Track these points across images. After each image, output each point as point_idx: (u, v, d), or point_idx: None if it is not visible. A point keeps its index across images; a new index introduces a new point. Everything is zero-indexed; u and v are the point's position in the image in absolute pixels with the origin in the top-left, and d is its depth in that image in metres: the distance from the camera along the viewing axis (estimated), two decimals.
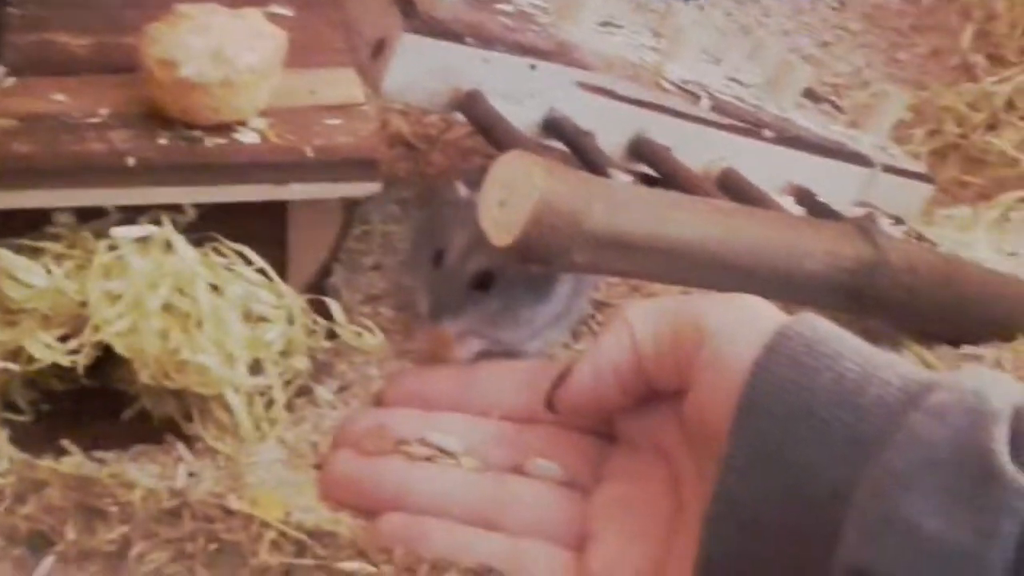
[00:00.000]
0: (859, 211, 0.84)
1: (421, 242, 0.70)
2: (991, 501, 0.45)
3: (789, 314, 0.56)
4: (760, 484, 0.50)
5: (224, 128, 0.63)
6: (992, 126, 0.94)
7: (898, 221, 0.84)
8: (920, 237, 0.82)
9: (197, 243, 0.63)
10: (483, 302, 0.66)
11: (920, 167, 0.92)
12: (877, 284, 0.69)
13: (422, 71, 0.73)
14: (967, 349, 0.73)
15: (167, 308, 0.61)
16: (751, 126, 0.83)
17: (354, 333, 0.68)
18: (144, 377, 0.61)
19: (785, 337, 0.51)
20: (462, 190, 0.67)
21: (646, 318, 0.57)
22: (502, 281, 0.66)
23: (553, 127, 0.77)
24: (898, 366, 0.50)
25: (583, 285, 0.71)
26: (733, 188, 0.79)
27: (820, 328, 0.52)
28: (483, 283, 0.66)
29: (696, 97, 0.82)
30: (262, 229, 0.65)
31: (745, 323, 0.54)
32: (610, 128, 0.78)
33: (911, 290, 0.70)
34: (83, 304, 0.60)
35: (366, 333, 0.69)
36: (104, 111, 0.64)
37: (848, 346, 0.51)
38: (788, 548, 0.50)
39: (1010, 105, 0.94)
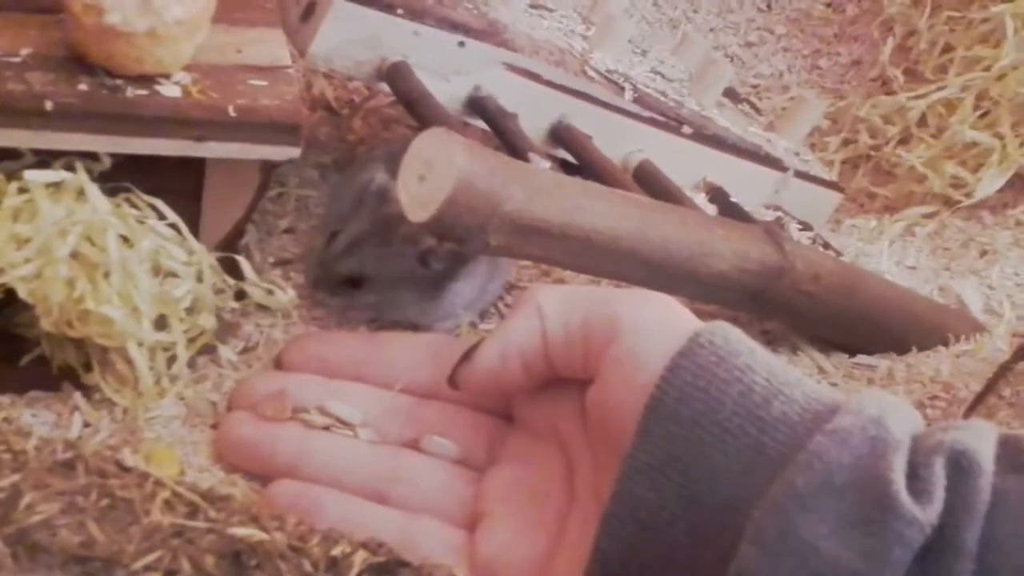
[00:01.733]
0: (769, 214, 0.86)
1: (331, 210, 0.72)
2: (885, 528, 0.46)
3: (694, 310, 0.57)
4: (661, 487, 0.51)
5: (147, 79, 0.63)
6: (904, 140, 0.96)
7: (806, 227, 0.86)
8: (826, 245, 0.83)
9: (110, 193, 0.62)
10: (354, 296, 0.69)
11: (831, 175, 0.94)
12: (780, 288, 0.70)
13: (350, 38, 0.73)
14: (862, 358, 0.75)
15: (75, 256, 0.60)
16: (671, 121, 0.84)
17: (264, 291, 0.68)
18: (46, 324, 0.60)
19: (698, 344, 0.52)
20: (380, 178, 0.68)
21: (558, 304, 0.58)
22: (378, 283, 0.68)
23: (477, 106, 0.77)
24: (804, 385, 0.52)
25: (499, 269, 0.72)
26: (649, 181, 0.80)
27: (732, 339, 0.53)
28: (355, 283, 0.68)
29: (620, 88, 0.83)
30: (177, 184, 0.64)
31: (659, 324, 0.54)
32: (533, 112, 0.79)
33: (813, 297, 0.72)
34: None
35: (277, 291, 0.68)
36: (25, 51, 0.63)
37: (758, 360, 0.52)
38: (683, 551, 0.51)
39: (923, 121, 0.96)
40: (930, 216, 0.91)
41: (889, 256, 0.86)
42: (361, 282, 0.68)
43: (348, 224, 0.68)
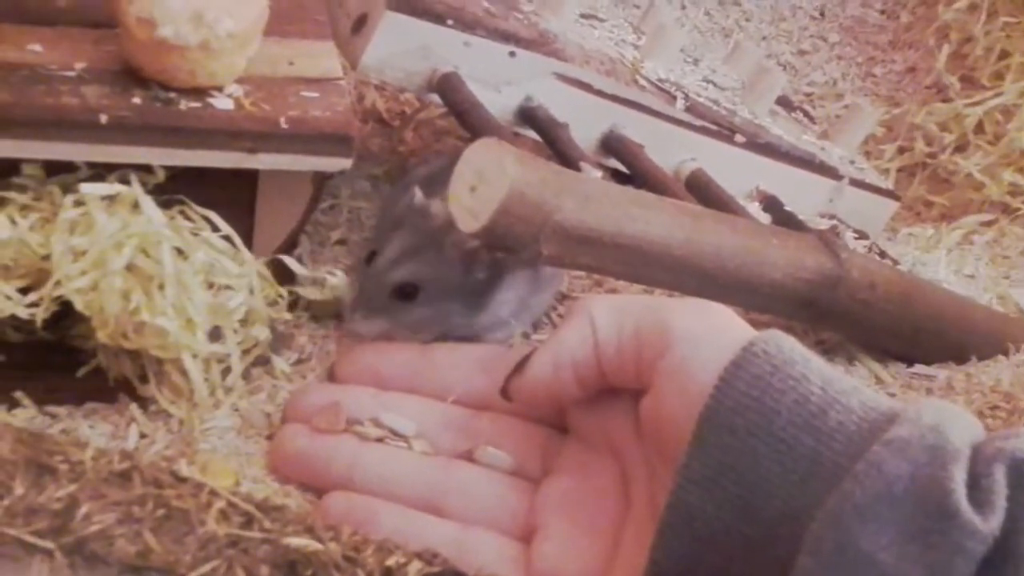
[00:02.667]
0: (824, 223, 0.85)
1: (380, 229, 0.71)
2: (946, 540, 0.46)
3: (748, 320, 0.57)
4: (716, 497, 0.50)
5: (200, 92, 0.63)
6: (961, 148, 0.95)
7: (862, 236, 0.85)
8: (882, 254, 0.82)
9: (165, 205, 0.63)
10: (404, 311, 0.66)
11: (887, 184, 0.93)
12: (836, 297, 0.70)
13: (401, 50, 0.73)
14: (920, 368, 0.74)
15: (130, 268, 0.60)
16: (724, 130, 0.83)
17: (318, 283, 0.68)
18: (102, 336, 0.61)
19: (752, 354, 0.52)
20: (417, 195, 0.67)
21: (609, 314, 0.58)
22: (430, 292, 0.66)
23: (528, 116, 0.77)
24: (861, 393, 0.51)
25: (546, 279, 0.71)
26: (701, 190, 0.79)
27: (786, 348, 0.52)
28: (407, 294, 0.66)
29: (672, 97, 0.83)
30: (231, 196, 0.65)
31: (712, 333, 0.54)
32: (584, 121, 0.78)
33: (869, 306, 0.71)
34: (46, 258, 0.60)
35: (328, 276, 0.69)
36: (80, 65, 0.63)
37: (813, 369, 0.51)
38: (739, 562, 0.50)
39: (980, 128, 0.95)
40: (988, 224, 0.90)
41: (947, 265, 0.85)
42: (415, 293, 0.67)
43: (390, 240, 0.67)
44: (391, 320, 0.66)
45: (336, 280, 0.69)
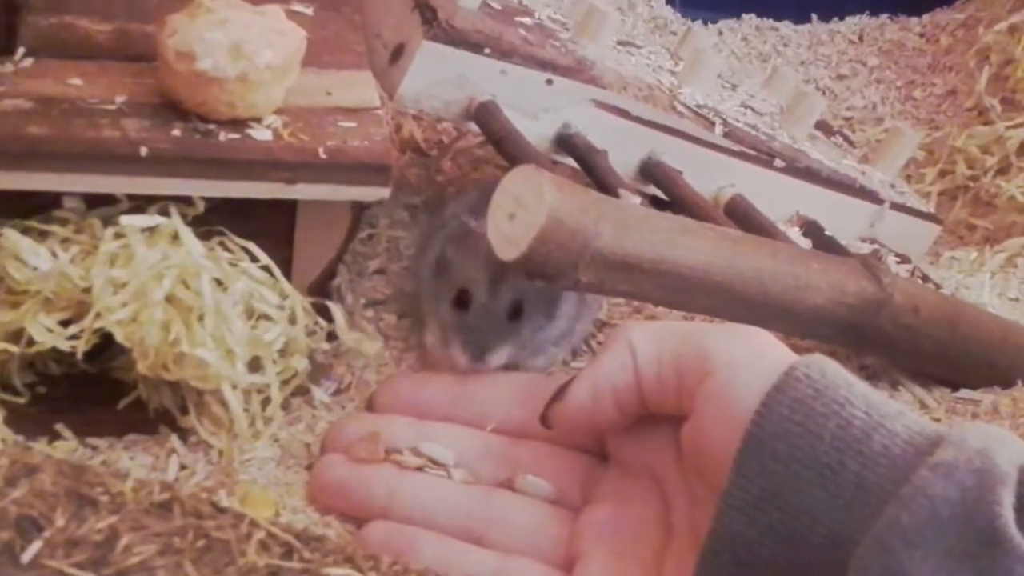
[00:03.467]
0: (865, 248, 0.84)
1: (432, 284, 0.69)
2: (995, 564, 0.45)
3: (790, 346, 0.56)
4: (759, 524, 0.50)
5: (238, 123, 0.63)
6: (1003, 170, 0.94)
7: (904, 260, 0.84)
8: (925, 278, 0.82)
9: (204, 236, 0.63)
10: (517, 332, 0.66)
11: (929, 207, 0.92)
12: (879, 322, 0.69)
13: (439, 79, 0.74)
14: (965, 393, 0.73)
15: (170, 300, 0.61)
16: (763, 155, 0.83)
17: (354, 338, 0.68)
18: (143, 367, 0.61)
19: (794, 378, 0.51)
20: (471, 222, 0.67)
21: (649, 340, 0.57)
22: (528, 307, 0.66)
23: (566, 143, 0.77)
24: (905, 417, 0.50)
25: (587, 305, 0.71)
26: (741, 216, 0.79)
27: (829, 372, 0.52)
28: (516, 312, 0.66)
29: (710, 122, 0.82)
30: (269, 227, 0.65)
31: (753, 358, 0.54)
32: (622, 148, 0.78)
33: (913, 330, 0.70)
34: (86, 290, 0.60)
35: (366, 339, 0.68)
36: (120, 98, 0.64)
37: (856, 393, 0.51)
38: None
39: (1022, 150, 0.95)
40: None
41: (991, 288, 0.84)
42: (521, 310, 0.66)
43: (470, 273, 0.66)
44: (510, 348, 0.66)
45: (372, 349, 0.69)
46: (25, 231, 0.61)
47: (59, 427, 0.64)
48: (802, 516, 0.49)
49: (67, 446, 0.63)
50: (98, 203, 0.63)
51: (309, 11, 0.74)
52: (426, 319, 0.69)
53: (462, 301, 0.66)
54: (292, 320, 0.64)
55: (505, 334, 0.66)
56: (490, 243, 0.62)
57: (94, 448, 0.64)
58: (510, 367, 0.67)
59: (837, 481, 0.49)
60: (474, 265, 0.66)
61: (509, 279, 0.65)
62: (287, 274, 0.65)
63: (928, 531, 0.46)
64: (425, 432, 0.63)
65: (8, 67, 0.65)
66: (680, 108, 0.82)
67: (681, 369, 0.55)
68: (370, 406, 0.67)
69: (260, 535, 0.50)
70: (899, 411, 0.51)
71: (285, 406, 0.66)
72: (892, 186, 0.90)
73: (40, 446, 0.62)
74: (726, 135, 0.82)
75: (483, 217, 0.65)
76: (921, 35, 1.09)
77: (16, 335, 0.61)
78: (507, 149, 0.72)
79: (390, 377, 0.69)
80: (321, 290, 0.68)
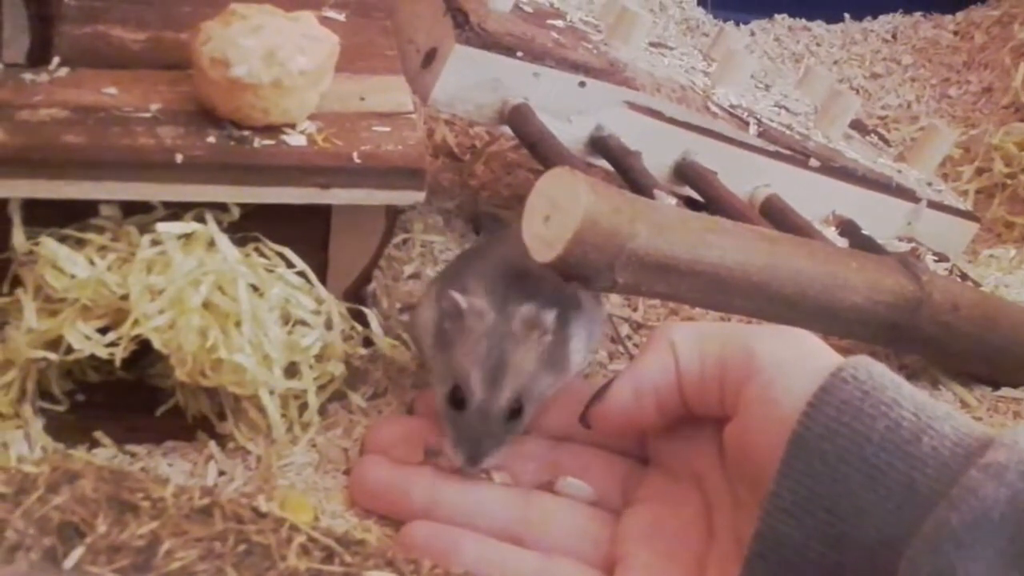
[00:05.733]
0: (903, 246, 0.84)
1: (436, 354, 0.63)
2: None
3: (828, 345, 0.56)
4: (806, 525, 0.49)
5: (273, 129, 0.63)
6: None
7: (942, 258, 0.84)
8: (964, 276, 0.81)
9: (240, 243, 0.63)
10: (517, 426, 0.61)
11: (966, 205, 0.92)
12: (918, 321, 0.69)
13: (472, 83, 0.74)
14: (1007, 391, 0.72)
15: (207, 306, 0.61)
16: (798, 154, 0.83)
17: (390, 344, 0.68)
18: (180, 374, 0.61)
19: (841, 379, 0.51)
20: (462, 301, 0.61)
21: (691, 341, 0.57)
22: (528, 392, 0.61)
23: (599, 145, 0.77)
24: (954, 419, 0.50)
25: (597, 312, 0.68)
26: (776, 216, 0.79)
27: (876, 373, 0.51)
28: (516, 411, 0.61)
29: (744, 123, 0.82)
30: (305, 232, 0.65)
31: (799, 359, 0.53)
32: (656, 149, 0.78)
33: (952, 328, 0.70)
34: (124, 297, 0.60)
35: (401, 345, 0.68)
36: (155, 106, 0.64)
37: (904, 394, 0.50)
38: None
39: None
40: None
41: None
42: (521, 407, 0.61)
43: (466, 368, 0.60)
44: (507, 447, 0.61)
45: (407, 357, 0.69)
46: (62, 239, 0.62)
47: (98, 434, 0.64)
48: (850, 518, 0.49)
49: (106, 453, 0.63)
50: (134, 211, 0.63)
51: (341, 17, 0.74)
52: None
53: (456, 400, 0.61)
54: (328, 325, 0.65)
55: (504, 434, 0.61)
56: (486, 324, 0.60)
57: (133, 455, 0.64)
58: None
59: (886, 483, 0.48)
60: (471, 355, 0.61)
61: (510, 369, 0.60)
62: (323, 279, 0.65)
63: (978, 532, 0.45)
64: None
65: (44, 77, 0.65)
66: (714, 108, 0.82)
67: (725, 370, 0.55)
68: (411, 409, 0.67)
69: (301, 539, 0.50)
70: (947, 413, 0.50)
71: (322, 411, 0.66)
72: (929, 184, 0.90)
73: (80, 453, 0.63)
74: (760, 135, 0.82)
75: (479, 288, 0.62)
76: (955, 32, 1.08)
77: (54, 343, 0.61)
78: (541, 152, 0.72)
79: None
80: (356, 295, 0.68)
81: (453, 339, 0.61)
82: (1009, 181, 0.94)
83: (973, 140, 0.98)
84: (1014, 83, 0.99)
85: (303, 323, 0.64)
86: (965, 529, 0.45)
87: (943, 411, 0.50)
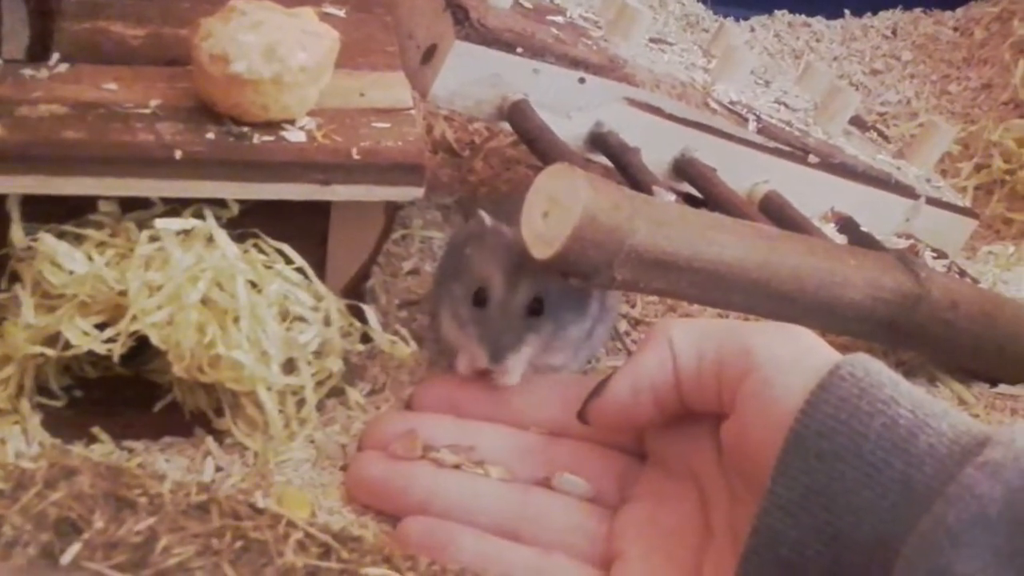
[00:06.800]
0: (901, 243, 0.84)
1: (451, 285, 0.66)
2: None
3: (827, 342, 0.56)
4: (803, 523, 0.49)
5: (273, 126, 0.63)
6: None
7: (940, 255, 0.84)
8: (962, 273, 0.81)
9: (239, 239, 0.63)
10: (538, 328, 0.64)
11: (965, 202, 0.92)
12: (917, 317, 0.69)
13: (471, 79, 0.73)
14: (1004, 388, 0.72)
15: (205, 302, 0.61)
16: (797, 151, 0.83)
17: (388, 340, 0.68)
18: (178, 370, 0.61)
19: (838, 377, 0.51)
20: (487, 219, 0.64)
21: (689, 337, 0.57)
22: (550, 302, 0.64)
23: (599, 142, 0.77)
24: (951, 416, 0.50)
25: (607, 310, 0.70)
26: (776, 212, 0.79)
27: (874, 371, 0.51)
28: (536, 309, 0.64)
29: (743, 119, 0.82)
30: (304, 228, 0.65)
31: (797, 357, 0.53)
32: (656, 145, 0.78)
33: (951, 325, 0.70)
34: (122, 293, 0.61)
35: (400, 341, 0.68)
36: (154, 102, 0.64)
37: (902, 392, 0.50)
38: None
39: None
40: None
41: None
42: (542, 307, 0.64)
43: (489, 269, 0.64)
44: (529, 347, 0.64)
45: (407, 351, 0.69)
46: (61, 235, 0.62)
47: (95, 430, 0.64)
48: (847, 515, 0.49)
49: (103, 449, 0.63)
50: (133, 206, 0.63)
51: (341, 13, 0.75)
52: (444, 324, 0.67)
53: (480, 300, 0.64)
54: (327, 322, 0.65)
55: (524, 332, 0.63)
56: (508, 239, 0.62)
57: (130, 451, 0.64)
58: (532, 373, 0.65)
59: (883, 480, 0.48)
60: (492, 261, 0.64)
61: (529, 274, 0.63)
62: (321, 276, 0.66)
63: (975, 530, 0.45)
64: (462, 430, 0.63)
65: (43, 72, 0.65)
66: (713, 105, 0.82)
67: (723, 366, 0.55)
68: (408, 405, 0.67)
69: (298, 536, 0.50)
70: (944, 410, 0.50)
71: (320, 407, 0.66)
72: (928, 181, 0.90)
73: (77, 449, 0.63)
74: (760, 131, 0.82)
75: (500, 215, 0.65)
76: (955, 29, 1.08)
77: (52, 339, 0.61)
78: (540, 148, 0.72)
79: (428, 376, 0.69)
80: (355, 291, 0.68)
81: (474, 256, 0.64)
82: (1008, 177, 0.95)
83: (972, 136, 0.98)
84: (1013, 79, 0.99)
85: (301, 319, 0.64)
86: (962, 527, 0.45)
87: (940, 409, 0.50)
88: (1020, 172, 0.94)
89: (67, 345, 0.61)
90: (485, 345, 0.63)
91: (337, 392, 0.67)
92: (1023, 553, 0.45)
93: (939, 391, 0.73)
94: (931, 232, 0.87)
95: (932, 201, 0.87)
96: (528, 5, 0.81)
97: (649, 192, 0.70)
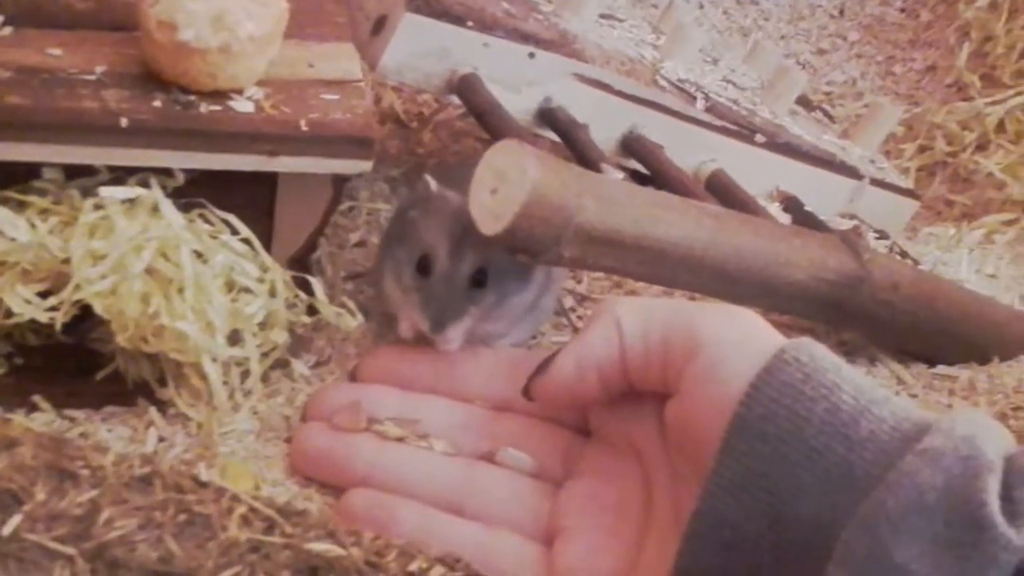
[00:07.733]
0: (845, 223, 0.85)
1: (395, 251, 0.66)
2: (979, 552, 0.45)
3: (769, 321, 0.56)
4: (745, 504, 0.50)
5: (220, 95, 0.63)
6: (982, 147, 0.95)
7: (882, 236, 0.85)
8: (904, 254, 0.82)
9: (184, 209, 0.63)
10: (481, 299, 0.64)
11: (907, 183, 0.93)
12: (858, 298, 0.69)
13: (421, 51, 0.73)
14: (942, 369, 0.73)
15: (150, 272, 0.61)
16: (744, 130, 0.83)
17: (334, 312, 0.68)
18: (122, 339, 0.61)
19: (783, 361, 0.51)
20: (432, 184, 0.65)
21: (636, 316, 0.57)
22: (494, 273, 0.64)
23: (548, 117, 0.77)
24: (892, 403, 0.51)
25: (553, 280, 0.70)
26: (721, 191, 0.79)
27: (818, 356, 0.52)
28: (479, 280, 0.64)
29: (692, 97, 0.82)
30: (250, 199, 0.65)
31: (742, 339, 0.54)
32: (604, 122, 0.78)
33: (891, 306, 0.70)
34: (65, 261, 0.60)
35: (346, 313, 0.68)
36: (100, 69, 0.63)
37: (845, 378, 0.51)
38: (767, 571, 0.50)
39: (1001, 127, 0.95)
40: (1010, 223, 0.90)
41: (968, 264, 0.85)
42: (485, 278, 0.64)
43: (434, 237, 0.64)
44: (471, 316, 0.64)
45: (353, 323, 0.68)
46: (3, 201, 0.61)
47: (36, 399, 0.63)
48: (788, 499, 0.49)
49: (44, 417, 0.63)
50: (77, 174, 0.62)
51: None
52: (387, 288, 0.67)
53: (423, 267, 0.64)
54: (272, 293, 0.64)
55: (466, 303, 0.64)
56: (453, 206, 0.62)
57: (72, 420, 0.63)
58: (473, 340, 0.66)
59: (824, 465, 0.49)
60: (437, 229, 0.64)
61: (473, 244, 0.62)
62: (267, 247, 0.65)
63: (913, 517, 0.46)
64: (407, 402, 0.63)
65: None
66: (662, 82, 0.82)
67: (668, 346, 0.55)
68: (353, 376, 0.67)
69: (242, 510, 0.50)
70: (886, 396, 0.51)
71: (265, 379, 0.66)
72: (872, 161, 0.91)
73: (18, 418, 0.62)
74: (708, 110, 0.82)
75: (446, 181, 0.65)
76: (902, 10, 1.09)
77: None
78: (489, 122, 0.72)
79: (374, 349, 0.69)
80: (302, 263, 0.67)
81: (419, 222, 0.64)
82: (950, 160, 0.96)
83: (916, 118, 0.99)
84: (958, 62, 1.00)
85: (247, 290, 0.63)
86: (901, 513, 0.46)
87: (882, 395, 0.51)
88: (962, 155, 0.95)
89: (8, 313, 0.61)
90: (427, 314, 0.64)
91: (282, 364, 0.67)
92: (961, 541, 0.45)
93: (879, 371, 0.74)
94: (874, 212, 0.87)
95: (876, 182, 0.88)
96: None
97: (597, 169, 0.70)
